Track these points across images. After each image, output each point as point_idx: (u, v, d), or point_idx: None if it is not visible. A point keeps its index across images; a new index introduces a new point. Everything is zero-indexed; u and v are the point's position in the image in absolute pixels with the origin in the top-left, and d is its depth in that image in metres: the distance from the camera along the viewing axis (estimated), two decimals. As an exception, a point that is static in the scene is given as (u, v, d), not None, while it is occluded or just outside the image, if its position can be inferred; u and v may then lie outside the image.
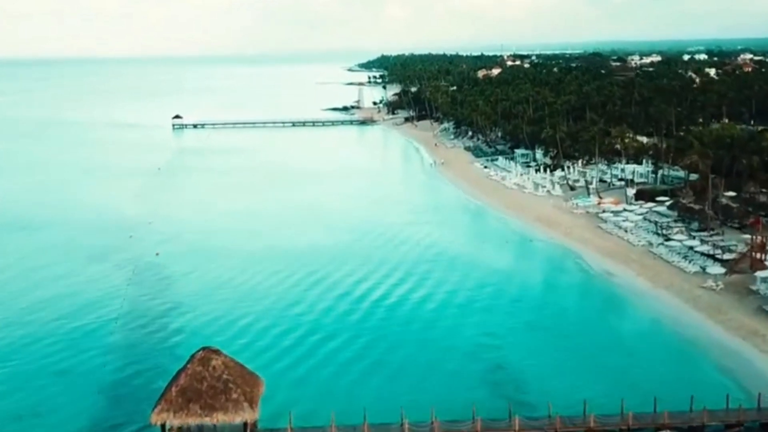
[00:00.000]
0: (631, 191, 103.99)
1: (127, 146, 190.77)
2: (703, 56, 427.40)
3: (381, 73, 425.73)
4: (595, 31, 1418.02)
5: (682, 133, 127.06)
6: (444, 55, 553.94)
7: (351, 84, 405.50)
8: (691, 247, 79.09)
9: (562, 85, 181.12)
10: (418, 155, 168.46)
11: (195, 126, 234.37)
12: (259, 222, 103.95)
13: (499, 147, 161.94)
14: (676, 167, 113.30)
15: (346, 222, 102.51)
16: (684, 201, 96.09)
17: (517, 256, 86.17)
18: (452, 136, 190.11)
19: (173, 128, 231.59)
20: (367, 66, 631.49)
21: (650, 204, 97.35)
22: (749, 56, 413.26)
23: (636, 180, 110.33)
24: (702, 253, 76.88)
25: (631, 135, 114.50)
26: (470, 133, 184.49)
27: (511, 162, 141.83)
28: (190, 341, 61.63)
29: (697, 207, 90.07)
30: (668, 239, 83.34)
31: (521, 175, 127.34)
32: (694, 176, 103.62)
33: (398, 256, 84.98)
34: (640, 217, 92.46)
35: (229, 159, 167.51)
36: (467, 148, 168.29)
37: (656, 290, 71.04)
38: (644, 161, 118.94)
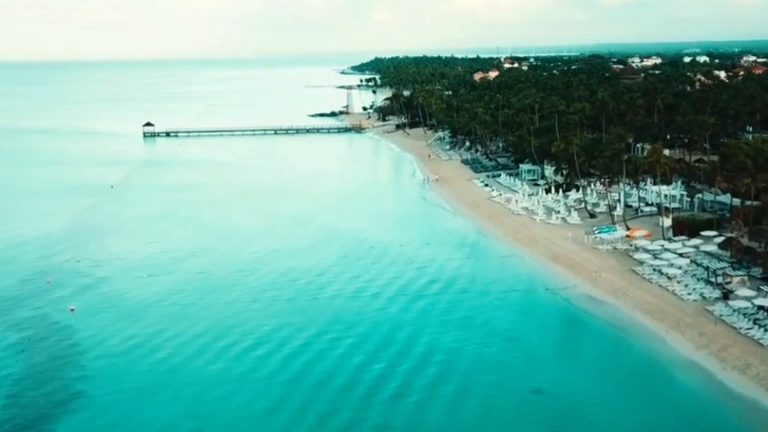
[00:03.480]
0: (666, 221, 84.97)
1: (86, 158, 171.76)
2: (704, 58, 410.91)
3: (372, 77, 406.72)
4: (587, 35, 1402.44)
5: (707, 146, 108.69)
6: (439, 58, 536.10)
7: (342, 87, 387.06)
8: (763, 308, 60.04)
9: (570, 90, 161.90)
10: (409, 170, 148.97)
11: (168, 134, 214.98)
12: (211, 263, 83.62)
13: (501, 160, 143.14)
14: (714, 188, 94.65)
15: (313, 263, 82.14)
16: (734, 235, 77.41)
17: (532, 315, 66.12)
18: (447, 146, 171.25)
19: (144, 137, 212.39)
20: (360, 69, 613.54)
21: (695, 240, 78.17)
22: (752, 58, 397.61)
23: (668, 205, 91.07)
24: (781, 318, 57.98)
25: (665, 153, 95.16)
26: (468, 144, 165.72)
27: (516, 179, 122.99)
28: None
29: (758, 248, 71.17)
30: (728, 293, 64.35)
31: (530, 195, 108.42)
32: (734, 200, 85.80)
33: (373, 322, 64.90)
34: (686, 259, 73.18)
35: (195, 174, 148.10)
36: (464, 161, 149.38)
37: (728, 374, 52.01)
38: (676, 181, 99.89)
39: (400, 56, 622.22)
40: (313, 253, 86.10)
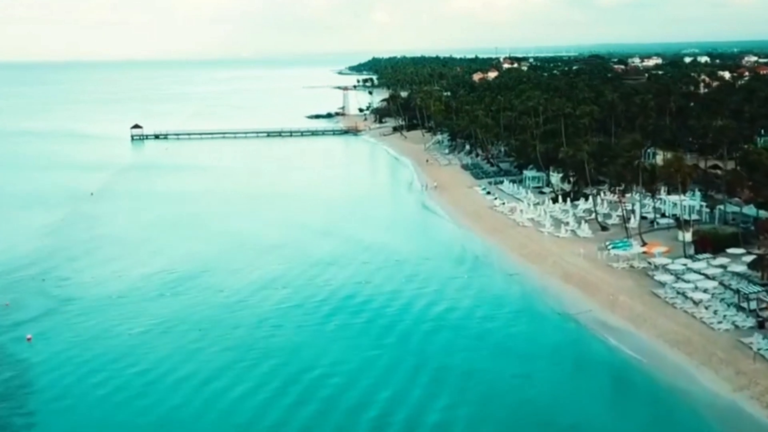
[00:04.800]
0: (687, 236, 77.78)
1: (68, 162, 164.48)
2: (705, 58, 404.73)
3: (368, 77, 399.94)
4: (586, 35, 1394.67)
5: (724, 152, 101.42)
6: (437, 58, 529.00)
7: (339, 88, 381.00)
8: (808, 342, 52.93)
9: (575, 91, 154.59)
10: (406, 175, 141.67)
11: (157, 137, 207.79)
12: (197, 282, 75.83)
13: (503, 165, 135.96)
14: (735, 199, 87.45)
15: (311, 286, 74.24)
16: (763, 252, 70.16)
17: (544, 346, 58.24)
18: (446, 150, 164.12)
19: (132, 139, 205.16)
20: (358, 69, 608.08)
21: (722, 259, 70.88)
22: (754, 58, 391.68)
23: (687, 217, 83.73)
24: (830, 354, 50.80)
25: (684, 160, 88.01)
26: (467, 147, 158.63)
27: (520, 187, 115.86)
28: None
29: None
30: (764, 321, 57.21)
31: (535, 205, 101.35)
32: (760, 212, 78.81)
33: (374, 357, 57.77)
34: (714, 281, 65.93)
35: (182, 179, 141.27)
36: (464, 166, 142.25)
37: (775, 425, 44.93)
38: (692, 190, 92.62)
39: (398, 56, 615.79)
40: (309, 276, 77.63)
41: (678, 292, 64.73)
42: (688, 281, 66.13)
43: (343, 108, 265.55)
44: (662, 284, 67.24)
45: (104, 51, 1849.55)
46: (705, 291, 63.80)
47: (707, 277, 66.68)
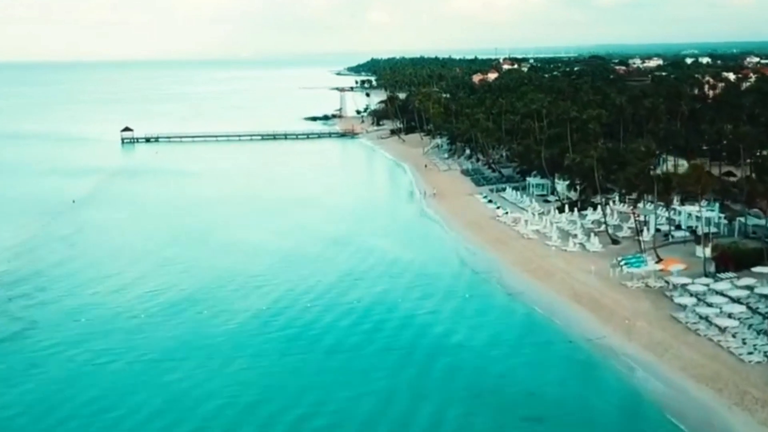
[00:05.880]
0: (706, 251, 71.87)
1: (54, 167, 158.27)
2: (706, 59, 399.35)
3: (366, 78, 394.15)
4: (585, 35, 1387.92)
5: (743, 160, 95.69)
6: (436, 59, 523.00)
7: (336, 89, 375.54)
8: None
9: (580, 93, 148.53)
10: (404, 181, 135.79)
11: (147, 140, 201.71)
12: (175, 309, 68.68)
13: (505, 171, 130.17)
14: (755, 210, 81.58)
15: (290, 323, 65.45)
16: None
17: (555, 381, 52.08)
18: (446, 155, 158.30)
19: (122, 142, 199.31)
20: (357, 69, 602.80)
21: (747, 279, 64.86)
22: (755, 59, 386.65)
23: (706, 230, 77.76)
24: None
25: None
26: (468, 152, 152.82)
27: (523, 194, 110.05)
28: None
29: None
30: (800, 353, 51.41)
31: (540, 214, 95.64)
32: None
33: (359, 395, 51.95)
34: (741, 305, 60.03)
35: (168, 186, 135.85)
36: (464, 172, 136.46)
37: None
38: (708, 200, 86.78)
39: (398, 57, 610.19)
40: (305, 301, 71.29)
41: (701, 317, 58.86)
42: (711, 304, 60.23)
43: (340, 110, 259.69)
44: (683, 307, 61.38)
45: (104, 51, 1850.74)
46: (731, 316, 57.92)
47: (732, 299, 60.77)
